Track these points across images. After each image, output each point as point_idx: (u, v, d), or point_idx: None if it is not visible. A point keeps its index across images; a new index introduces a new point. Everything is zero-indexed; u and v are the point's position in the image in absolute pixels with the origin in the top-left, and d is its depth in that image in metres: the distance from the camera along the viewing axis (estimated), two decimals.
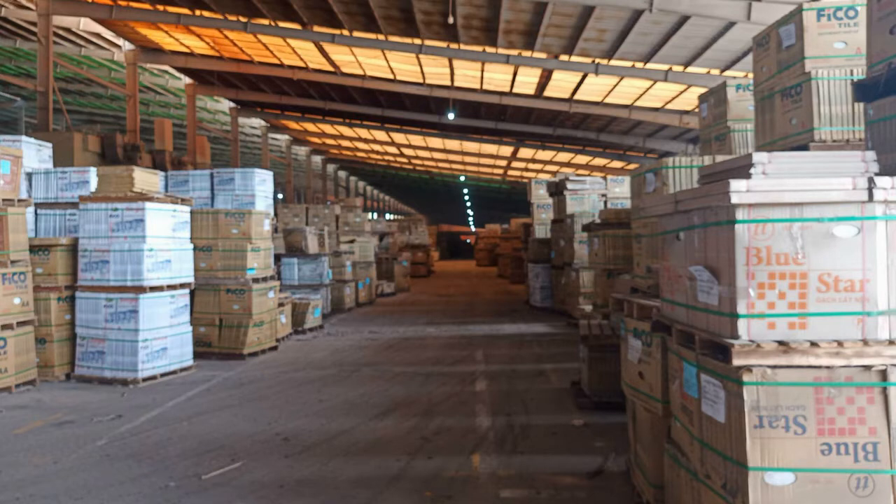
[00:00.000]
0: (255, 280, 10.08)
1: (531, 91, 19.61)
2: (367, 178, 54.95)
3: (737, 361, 2.81)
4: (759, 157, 3.02)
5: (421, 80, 19.99)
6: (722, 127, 7.51)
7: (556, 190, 14.96)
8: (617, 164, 29.15)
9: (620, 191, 13.91)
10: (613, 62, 15.36)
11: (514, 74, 18.07)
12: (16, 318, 7.67)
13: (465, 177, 45.36)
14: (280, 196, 36.55)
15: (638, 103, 19.15)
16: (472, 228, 77.40)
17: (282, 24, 16.10)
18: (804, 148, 4.93)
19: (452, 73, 18.69)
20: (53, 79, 15.92)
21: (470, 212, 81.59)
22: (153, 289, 8.30)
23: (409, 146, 33.40)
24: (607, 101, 19.41)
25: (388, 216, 62.03)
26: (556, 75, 17.58)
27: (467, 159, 36.17)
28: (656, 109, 19.35)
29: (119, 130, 21.55)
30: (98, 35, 18.63)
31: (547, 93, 19.43)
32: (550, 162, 32.56)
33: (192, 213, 9.45)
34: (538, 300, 16.46)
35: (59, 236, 9.19)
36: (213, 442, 5.79)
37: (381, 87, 20.71)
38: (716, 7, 11.00)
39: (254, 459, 5.34)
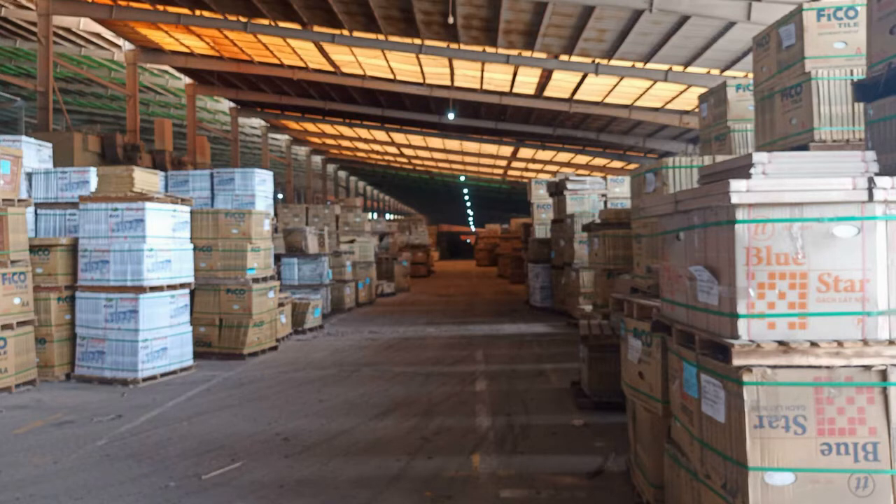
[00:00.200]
0: (255, 280, 10.08)
1: (531, 91, 19.61)
2: (367, 178, 54.95)
3: (737, 361, 2.81)
4: (759, 157, 3.02)
5: (421, 80, 19.98)
6: (722, 127, 7.50)
7: (556, 190, 14.96)
8: (617, 164, 29.15)
9: (620, 191, 13.91)
10: (613, 62, 15.36)
11: (514, 74, 18.06)
12: (16, 318, 7.67)
13: (464, 177, 45.35)
14: (280, 196, 36.55)
15: (638, 103, 19.15)
16: (472, 228, 77.36)
17: (282, 24, 16.11)
18: (804, 148, 4.93)
19: (452, 73, 18.68)
20: (53, 79, 15.92)
21: (470, 212, 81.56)
22: (153, 289, 8.30)
23: (409, 146, 33.39)
24: (607, 101, 19.41)
25: (388, 216, 62.02)
26: (556, 75, 17.58)
27: (467, 159, 36.16)
28: (656, 109, 19.35)
29: (119, 130, 21.56)
30: (98, 35, 18.63)
31: (547, 93, 19.42)
32: (550, 162, 32.56)
33: (192, 213, 9.46)
34: (538, 300, 16.46)
35: (59, 236, 9.19)
36: (213, 442, 5.79)
37: (381, 87, 20.70)
38: (716, 7, 11.00)
39: (254, 459, 5.34)
